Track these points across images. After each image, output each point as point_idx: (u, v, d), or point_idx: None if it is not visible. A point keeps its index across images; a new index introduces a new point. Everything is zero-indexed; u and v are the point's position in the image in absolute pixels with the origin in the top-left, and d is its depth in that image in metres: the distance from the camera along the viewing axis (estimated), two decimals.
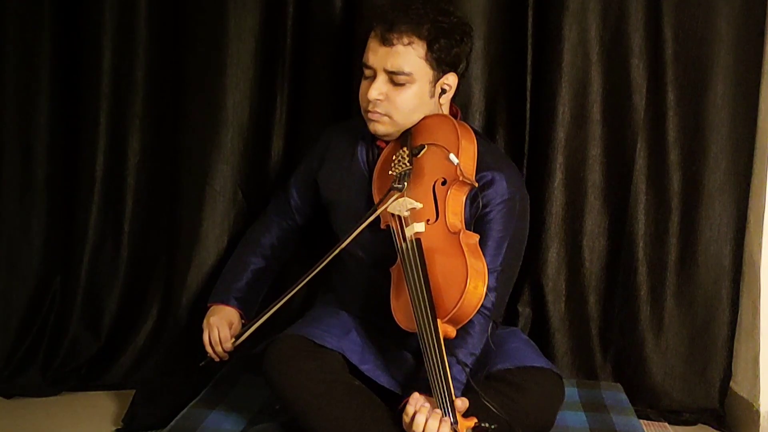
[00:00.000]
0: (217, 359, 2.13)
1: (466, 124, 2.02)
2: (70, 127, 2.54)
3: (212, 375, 2.33)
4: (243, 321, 2.17)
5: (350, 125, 2.18)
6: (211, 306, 2.20)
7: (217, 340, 2.10)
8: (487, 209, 1.97)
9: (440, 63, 1.98)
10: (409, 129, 2.02)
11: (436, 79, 2.00)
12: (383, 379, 1.91)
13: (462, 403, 1.72)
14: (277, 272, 2.30)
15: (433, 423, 1.69)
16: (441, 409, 1.68)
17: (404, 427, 1.76)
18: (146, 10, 2.48)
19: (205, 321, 2.15)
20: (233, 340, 2.10)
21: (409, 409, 1.73)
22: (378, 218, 1.98)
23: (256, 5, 2.42)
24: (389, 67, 1.96)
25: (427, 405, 1.72)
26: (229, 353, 2.12)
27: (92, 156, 2.51)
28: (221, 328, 2.11)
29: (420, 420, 1.70)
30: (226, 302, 2.18)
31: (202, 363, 2.13)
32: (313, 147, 2.26)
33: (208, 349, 2.12)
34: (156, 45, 2.50)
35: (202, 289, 2.47)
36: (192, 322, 2.49)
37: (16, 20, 2.48)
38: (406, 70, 1.95)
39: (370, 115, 2.02)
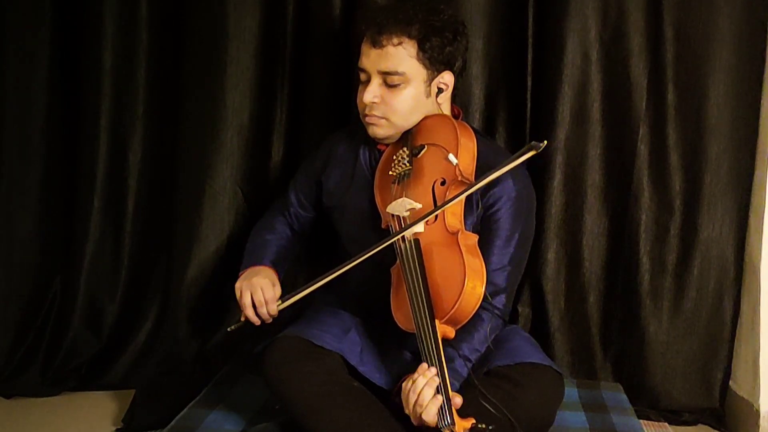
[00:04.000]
0: (257, 322, 2.01)
1: (466, 125, 2.03)
2: (71, 127, 2.55)
3: (213, 374, 2.33)
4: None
5: (352, 130, 2.19)
6: (243, 273, 2.09)
7: (262, 300, 2.00)
8: (495, 208, 1.98)
9: (433, 62, 1.98)
10: (410, 129, 2.03)
11: (431, 79, 2.01)
12: (381, 381, 1.91)
13: (459, 400, 1.72)
14: (294, 257, 2.26)
15: (422, 380, 1.70)
16: (439, 409, 1.68)
17: (402, 395, 1.75)
18: (146, 11, 2.49)
19: (240, 282, 2.04)
20: (279, 302, 1.99)
21: (415, 375, 1.73)
22: (379, 218, 1.99)
23: (256, 5, 2.43)
24: (382, 69, 1.97)
25: (433, 371, 1.71)
26: (272, 317, 2.01)
27: (92, 156, 2.52)
28: (265, 287, 2.01)
29: (420, 382, 1.70)
30: (263, 263, 2.09)
31: (232, 327, 2.03)
32: (313, 153, 2.26)
33: (249, 311, 2.00)
34: (156, 45, 2.51)
35: (202, 289, 2.48)
36: (192, 322, 2.50)
37: (17, 20, 2.49)
38: (399, 70, 1.96)
39: (367, 119, 2.03)
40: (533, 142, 1.70)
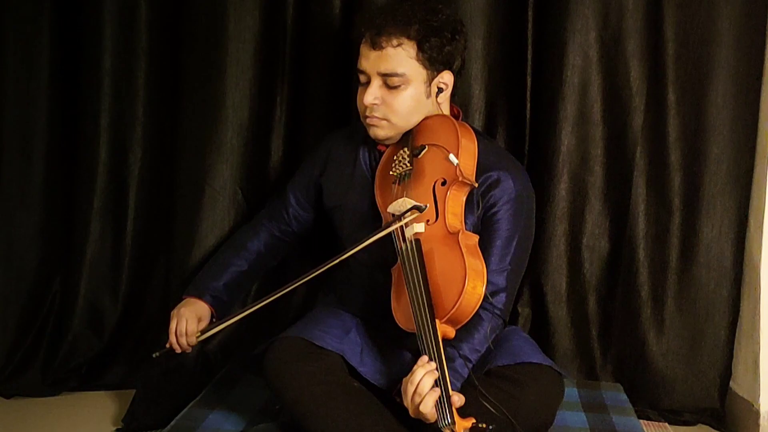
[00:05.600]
0: (178, 350, 2.09)
1: (467, 125, 2.03)
2: (71, 127, 2.55)
3: (213, 374, 2.33)
4: (212, 320, 2.14)
5: (351, 130, 2.19)
6: (185, 298, 2.17)
7: (183, 331, 2.07)
8: (495, 209, 1.98)
9: (433, 62, 1.98)
10: (411, 130, 2.03)
11: (431, 79, 2.01)
12: (381, 382, 1.91)
13: (459, 399, 1.71)
14: (259, 278, 2.32)
15: (421, 371, 1.70)
16: (439, 408, 1.68)
17: (401, 386, 1.75)
18: (146, 11, 2.49)
19: (174, 310, 2.12)
20: (198, 334, 2.08)
21: (415, 367, 1.73)
22: (379, 218, 1.99)
23: (256, 5, 2.42)
24: (382, 71, 1.97)
25: (433, 365, 1.71)
26: (192, 347, 2.10)
27: (92, 156, 2.52)
28: (190, 320, 2.09)
29: (419, 372, 1.70)
30: (200, 297, 2.16)
31: (157, 353, 2.09)
32: (312, 154, 2.26)
33: (172, 338, 2.08)
34: (156, 45, 2.51)
35: None
36: None
37: (17, 20, 2.49)
38: (399, 71, 1.96)
39: (368, 121, 2.03)
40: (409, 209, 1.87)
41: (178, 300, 2.46)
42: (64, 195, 2.56)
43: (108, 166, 2.53)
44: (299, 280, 1.94)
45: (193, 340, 2.09)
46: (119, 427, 2.25)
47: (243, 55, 2.43)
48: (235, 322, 2.03)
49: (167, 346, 2.10)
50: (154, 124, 2.54)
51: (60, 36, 2.51)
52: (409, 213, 1.86)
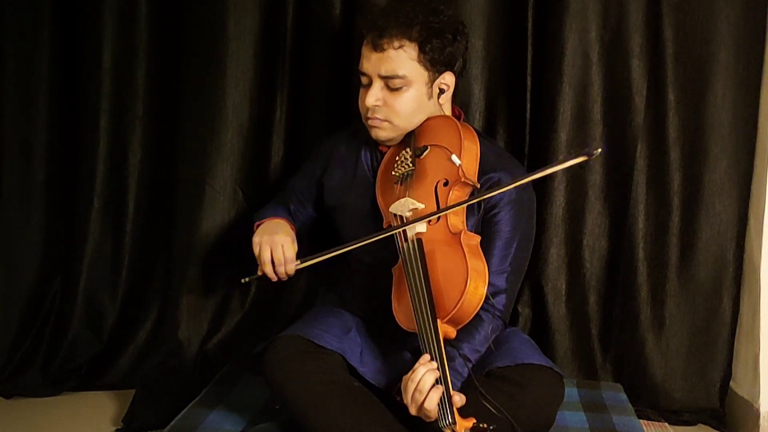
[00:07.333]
0: (274, 279, 1.98)
1: (469, 126, 2.03)
2: (70, 127, 2.55)
3: (213, 374, 2.33)
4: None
5: (353, 131, 2.19)
6: (260, 224, 2.08)
7: (281, 258, 1.96)
8: (495, 210, 1.98)
9: (434, 63, 1.98)
10: (413, 130, 2.03)
11: (433, 80, 2.01)
12: (381, 382, 1.91)
13: (460, 399, 1.71)
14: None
15: (422, 369, 1.70)
16: (440, 407, 1.68)
17: (402, 384, 1.75)
18: (146, 11, 2.49)
19: (259, 237, 2.01)
20: (298, 262, 1.96)
21: (416, 365, 1.73)
22: (380, 218, 1.99)
23: (256, 5, 2.43)
24: (383, 73, 1.97)
25: (435, 364, 1.71)
26: (289, 276, 1.99)
27: (92, 156, 2.52)
28: (286, 246, 1.98)
29: (421, 370, 1.71)
30: (281, 217, 2.09)
31: (247, 279, 2.00)
32: (314, 153, 2.26)
33: (268, 268, 1.97)
34: (156, 45, 2.51)
35: (203, 289, 2.48)
36: (192, 322, 2.50)
37: (16, 20, 2.49)
38: (400, 73, 1.96)
39: (370, 122, 2.03)
40: (587, 149, 1.72)
41: (179, 299, 2.47)
42: (64, 195, 2.56)
43: (108, 166, 2.53)
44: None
45: (292, 268, 1.97)
46: (119, 427, 2.25)
47: (243, 55, 2.43)
48: (338, 255, 1.90)
49: (259, 273, 1.99)
50: (154, 124, 2.54)
51: (60, 36, 2.51)
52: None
